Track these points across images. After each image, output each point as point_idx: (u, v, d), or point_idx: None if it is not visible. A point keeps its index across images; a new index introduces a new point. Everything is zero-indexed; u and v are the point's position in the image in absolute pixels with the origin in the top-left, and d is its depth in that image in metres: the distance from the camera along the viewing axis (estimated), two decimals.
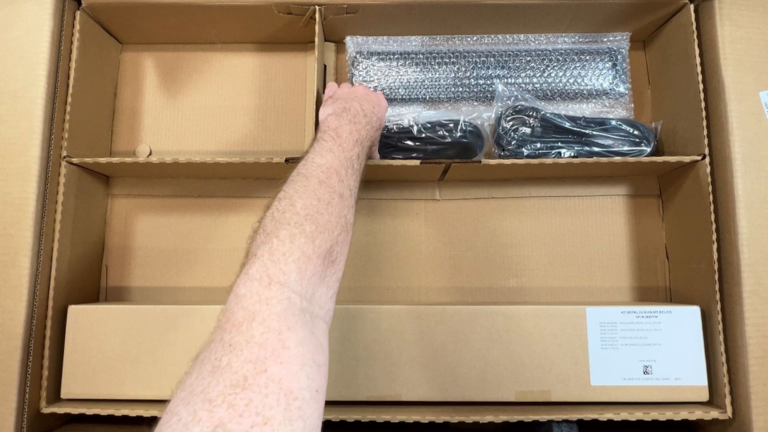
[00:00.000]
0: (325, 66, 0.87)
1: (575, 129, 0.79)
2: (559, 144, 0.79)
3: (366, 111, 0.63)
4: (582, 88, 0.84)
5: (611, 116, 0.83)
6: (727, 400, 0.67)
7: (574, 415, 0.66)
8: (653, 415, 0.66)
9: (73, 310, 0.72)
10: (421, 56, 0.85)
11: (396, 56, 0.86)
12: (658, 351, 0.69)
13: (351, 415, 0.66)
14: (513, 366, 0.69)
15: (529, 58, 0.85)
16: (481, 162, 0.73)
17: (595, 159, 0.73)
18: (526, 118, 0.79)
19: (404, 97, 0.85)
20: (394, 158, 0.75)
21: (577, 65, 0.85)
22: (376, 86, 0.85)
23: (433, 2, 0.76)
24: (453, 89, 0.85)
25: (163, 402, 0.68)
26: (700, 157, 0.72)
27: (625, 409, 0.66)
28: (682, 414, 0.66)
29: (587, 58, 0.85)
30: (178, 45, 0.89)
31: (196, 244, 0.85)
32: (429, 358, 0.70)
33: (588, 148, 0.78)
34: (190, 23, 0.82)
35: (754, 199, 0.69)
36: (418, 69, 0.85)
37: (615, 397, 0.69)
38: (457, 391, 0.69)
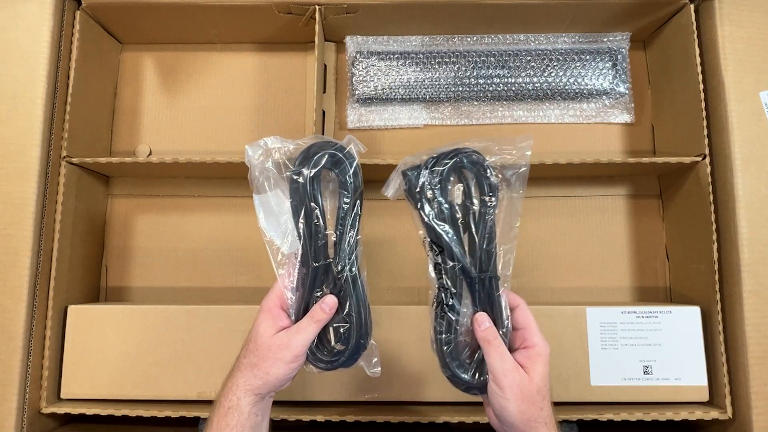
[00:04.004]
0: (325, 66, 0.87)
1: None
2: None
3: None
4: (582, 87, 0.84)
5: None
6: (727, 400, 0.67)
7: (574, 415, 0.66)
8: (653, 415, 0.66)
9: (73, 310, 0.72)
10: (421, 56, 0.85)
11: (396, 56, 0.85)
12: (658, 351, 0.69)
13: (351, 416, 0.66)
14: None
15: (529, 58, 0.85)
16: None
17: (595, 159, 0.73)
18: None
19: (404, 96, 0.85)
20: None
21: (577, 65, 0.85)
22: (377, 86, 0.85)
23: (433, 2, 0.76)
24: (453, 89, 0.85)
25: (162, 402, 0.69)
26: (700, 157, 0.72)
27: (625, 409, 0.66)
28: (682, 414, 0.66)
29: (587, 57, 0.85)
30: (178, 45, 0.89)
31: (196, 244, 0.85)
32: (429, 358, 0.70)
33: None
34: (190, 23, 0.82)
35: (754, 199, 0.69)
36: (418, 69, 0.85)
37: (615, 397, 0.69)
38: (457, 391, 0.69)
